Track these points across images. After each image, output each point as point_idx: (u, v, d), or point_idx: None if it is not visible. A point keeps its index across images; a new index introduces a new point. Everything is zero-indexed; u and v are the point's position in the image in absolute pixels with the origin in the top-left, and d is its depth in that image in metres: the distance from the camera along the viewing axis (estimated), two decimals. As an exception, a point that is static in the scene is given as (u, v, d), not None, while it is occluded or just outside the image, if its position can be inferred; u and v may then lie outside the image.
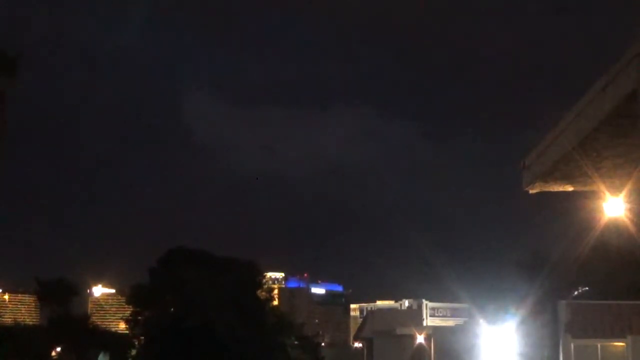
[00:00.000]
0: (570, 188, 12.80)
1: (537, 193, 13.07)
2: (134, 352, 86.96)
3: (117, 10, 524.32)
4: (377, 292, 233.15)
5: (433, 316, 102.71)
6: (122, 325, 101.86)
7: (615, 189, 12.12)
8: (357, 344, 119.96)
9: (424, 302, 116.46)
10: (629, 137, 10.07)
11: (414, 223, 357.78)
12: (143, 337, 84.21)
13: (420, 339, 62.97)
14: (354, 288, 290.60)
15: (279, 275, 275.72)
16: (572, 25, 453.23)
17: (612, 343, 36.43)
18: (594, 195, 12.97)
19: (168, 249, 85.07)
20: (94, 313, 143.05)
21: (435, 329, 66.68)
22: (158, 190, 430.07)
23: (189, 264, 77.74)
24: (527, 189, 12.89)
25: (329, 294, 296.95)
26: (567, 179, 12.23)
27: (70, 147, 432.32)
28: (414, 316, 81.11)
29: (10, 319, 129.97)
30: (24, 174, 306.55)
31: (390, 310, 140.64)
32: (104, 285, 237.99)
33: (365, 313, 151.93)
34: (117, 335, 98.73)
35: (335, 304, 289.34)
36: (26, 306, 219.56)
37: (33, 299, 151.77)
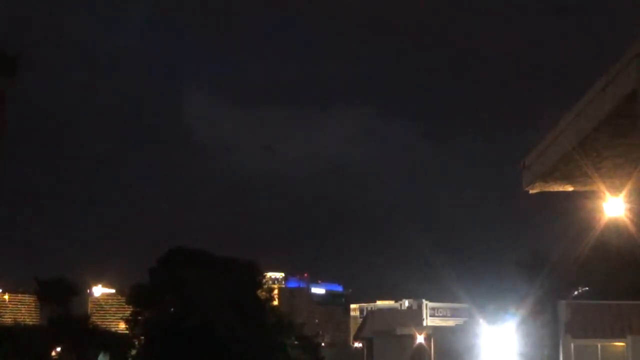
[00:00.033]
0: (570, 188, 12.80)
1: (537, 193, 13.07)
2: (134, 352, 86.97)
3: (117, 10, 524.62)
4: (377, 292, 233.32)
5: (433, 316, 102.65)
6: (122, 325, 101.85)
7: (615, 189, 12.12)
8: (357, 344, 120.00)
9: (424, 302, 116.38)
10: (629, 137, 10.07)
11: (414, 223, 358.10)
12: (143, 337, 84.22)
13: (420, 339, 62.97)
14: (354, 288, 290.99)
15: (279, 275, 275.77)
16: (572, 25, 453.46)
17: (612, 343, 36.44)
18: (594, 195, 12.97)
19: (168, 249, 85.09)
20: (94, 313, 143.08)
21: (435, 329, 66.68)
22: (158, 190, 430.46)
23: (189, 264, 77.74)
24: (527, 189, 12.89)
25: (329, 294, 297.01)
26: (567, 179, 12.23)
27: (70, 147, 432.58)
28: (414, 316, 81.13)
29: (10, 319, 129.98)
30: (24, 174, 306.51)
31: (390, 310, 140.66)
32: (104, 285, 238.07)
33: (365, 313, 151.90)
34: (117, 335, 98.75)
35: (335, 304, 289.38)
36: (26, 306, 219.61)
37: (33, 299, 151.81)
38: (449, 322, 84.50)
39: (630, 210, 12.58)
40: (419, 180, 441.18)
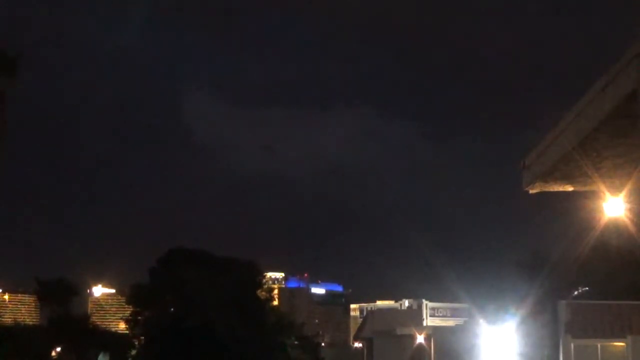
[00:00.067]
0: (570, 188, 12.79)
1: (537, 193, 13.06)
2: (134, 352, 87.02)
3: (117, 10, 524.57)
4: (377, 292, 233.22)
5: (433, 316, 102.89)
6: (122, 325, 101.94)
7: (615, 189, 12.12)
8: (357, 344, 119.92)
9: (424, 302, 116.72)
10: (629, 137, 10.07)
11: (414, 223, 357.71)
12: (143, 337, 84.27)
13: (420, 339, 62.96)
14: (354, 288, 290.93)
15: (279, 275, 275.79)
16: (572, 25, 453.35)
17: (612, 343, 36.45)
18: (594, 195, 12.97)
19: (168, 249, 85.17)
20: (94, 313, 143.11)
21: (435, 329, 66.70)
22: (158, 190, 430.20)
23: (189, 264, 77.78)
24: (527, 189, 12.89)
25: (329, 294, 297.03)
26: (567, 179, 12.23)
27: (70, 147, 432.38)
28: (414, 316, 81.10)
29: (10, 319, 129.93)
30: (24, 174, 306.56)
31: (390, 310, 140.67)
32: (104, 285, 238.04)
33: (365, 313, 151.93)
34: (117, 335, 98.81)
35: (335, 304, 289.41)
36: (26, 306, 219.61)
37: (33, 299, 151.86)
38: (449, 322, 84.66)
39: (630, 210, 12.58)
40: (419, 180, 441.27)
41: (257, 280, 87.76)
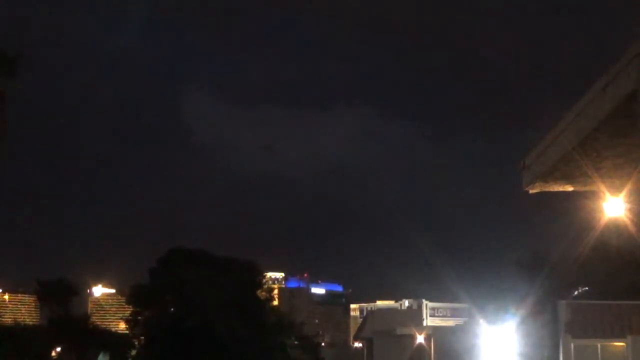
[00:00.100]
0: (570, 188, 12.79)
1: (537, 193, 13.06)
2: (134, 352, 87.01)
3: (117, 10, 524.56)
4: (377, 292, 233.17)
5: (433, 316, 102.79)
6: (122, 325, 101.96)
7: (615, 189, 12.12)
8: (357, 344, 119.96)
9: (424, 302, 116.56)
10: (629, 137, 10.07)
11: (414, 223, 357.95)
12: (143, 337, 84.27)
13: (420, 339, 62.97)
14: (354, 288, 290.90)
15: (279, 275, 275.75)
16: (572, 25, 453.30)
17: (612, 343, 36.46)
18: (594, 195, 12.97)
19: (168, 249, 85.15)
20: (94, 313, 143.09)
21: (435, 329, 66.69)
22: (158, 190, 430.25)
23: (189, 264, 77.77)
24: (527, 189, 12.88)
25: (329, 294, 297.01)
26: (567, 179, 12.22)
27: (70, 147, 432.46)
28: (414, 316, 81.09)
29: (10, 319, 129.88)
30: (24, 174, 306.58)
31: (390, 310, 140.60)
32: (104, 285, 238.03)
33: (365, 313, 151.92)
34: (117, 335, 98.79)
35: (335, 304, 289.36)
36: (26, 306, 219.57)
37: (33, 299, 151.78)
38: (449, 322, 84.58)
39: (630, 210, 12.58)
40: (419, 180, 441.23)
41: (257, 280, 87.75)
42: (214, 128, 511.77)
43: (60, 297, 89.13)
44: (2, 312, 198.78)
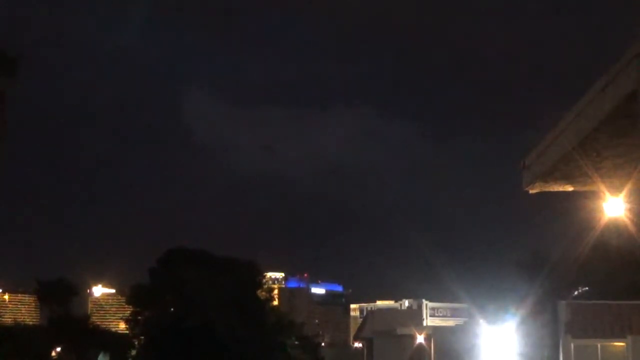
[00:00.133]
0: (570, 188, 12.79)
1: (537, 193, 13.06)
2: (134, 352, 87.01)
3: (117, 10, 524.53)
4: (377, 292, 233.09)
5: (433, 316, 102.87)
6: (122, 325, 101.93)
7: (615, 189, 12.11)
8: (357, 344, 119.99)
9: (424, 302, 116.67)
10: (629, 137, 10.07)
11: (414, 223, 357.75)
12: (143, 337, 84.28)
13: (420, 339, 62.98)
14: (354, 288, 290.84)
15: (279, 275, 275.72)
16: (572, 25, 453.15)
17: (612, 343, 36.45)
18: (594, 195, 12.97)
19: (168, 249, 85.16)
20: (94, 313, 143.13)
21: (435, 329, 66.70)
22: (158, 190, 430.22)
23: (189, 264, 77.78)
24: (527, 189, 12.88)
25: (329, 294, 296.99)
26: (567, 179, 12.22)
27: (70, 147, 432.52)
28: (414, 316, 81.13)
29: (10, 319, 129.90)
30: (24, 174, 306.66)
31: (390, 310, 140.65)
32: (104, 285, 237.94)
33: (365, 313, 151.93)
34: (117, 335, 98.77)
35: (335, 304, 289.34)
36: (26, 306, 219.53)
37: (33, 299, 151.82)
38: (449, 322, 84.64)
39: (630, 210, 12.58)
40: (419, 180, 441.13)
41: (257, 280, 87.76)
42: (214, 128, 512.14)
43: (60, 297, 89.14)
44: (2, 312, 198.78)
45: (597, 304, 38.90)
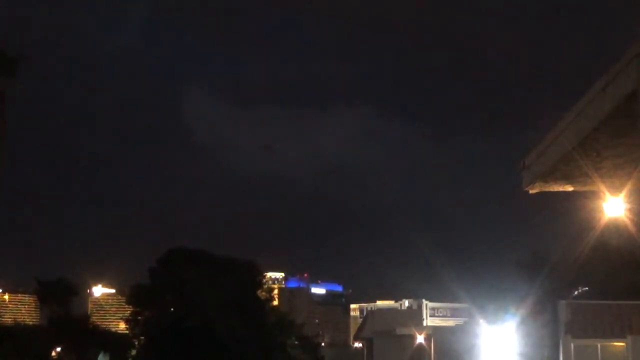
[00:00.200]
0: (570, 188, 12.79)
1: (537, 193, 13.06)
2: (134, 352, 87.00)
3: (117, 10, 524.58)
4: (377, 292, 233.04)
5: (433, 316, 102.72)
6: (122, 325, 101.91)
7: (615, 189, 12.12)
8: (357, 344, 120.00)
9: (424, 302, 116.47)
10: (629, 137, 10.07)
11: (414, 223, 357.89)
12: (143, 337, 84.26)
13: (420, 339, 62.98)
14: (354, 288, 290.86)
15: (279, 275, 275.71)
16: (572, 25, 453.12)
17: (612, 343, 36.45)
18: (594, 195, 12.97)
19: (168, 249, 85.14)
20: (94, 313, 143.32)
21: (435, 329, 66.69)
22: (158, 190, 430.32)
23: (189, 264, 77.77)
24: (527, 189, 12.88)
25: (329, 294, 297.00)
26: (567, 179, 12.23)
27: (70, 147, 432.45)
28: (414, 316, 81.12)
29: (10, 319, 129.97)
30: (24, 174, 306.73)
31: (390, 310, 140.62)
32: (104, 285, 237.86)
33: (365, 313, 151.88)
34: (117, 335, 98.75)
35: (335, 304, 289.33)
36: (26, 306, 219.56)
37: (33, 299, 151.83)
38: (449, 322, 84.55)
39: (630, 210, 12.58)
40: (419, 180, 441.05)
41: (257, 280, 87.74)
42: (214, 128, 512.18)
43: (60, 297, 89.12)
44: (2, 312, 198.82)
45: (597, 304, 38.91)
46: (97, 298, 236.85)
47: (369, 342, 74.37)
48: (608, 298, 39.54)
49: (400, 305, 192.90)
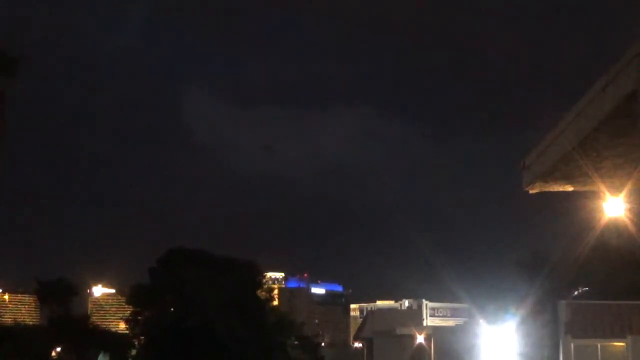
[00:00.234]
0: (570, 188, 12.79)
1: (537, 193, 13.05)
2: (134, 352, 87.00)
3: (117, 10, 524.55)
4: (377, 292, 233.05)
5: (433, 316, 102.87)
6: (122, 325, 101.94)
7: (615, 189, 12.11)
8: (357, 344, 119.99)
9: (424, 302, 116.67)
10: (629, 137, 10.06)
11: (414, 223, 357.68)
12: (143, 337, 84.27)
13: (420, 339, 62.98)
14: (354, 288, 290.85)
15: (279, 275, 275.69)
16: (572, 25, 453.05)
17: (612, 343, 36.45)
18: (594, 195, 12.97)
19: (168, 249, 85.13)
20: (94, 313, 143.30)
21: (435, 329, 66.71)
22: (158, 190, 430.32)
23: (189, 264, 77.77)
24: (527, 189, 12.88)
25: (329, 294, 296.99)
26: (567, 179, 12.22)
27: (70, 147, 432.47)
28: (414, 316, 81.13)
29: (10, 319, 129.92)
30: (24, 174, 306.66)
31: (390, 310, 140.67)
32: (104, 285, 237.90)
33: (365, 313, 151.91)
34: (117, 335, 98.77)
35: (335, 304, 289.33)
36: (26, 306, 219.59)
37: (33, 299, 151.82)
38: (449, 322, 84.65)
39: (630, 210, 12.58)
40: (419, 180, 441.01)
41: (257, 280, 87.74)
42: (214, 128, 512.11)
43: (60, 297, 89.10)
44: (2, 312, 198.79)
45: (597, 304, 38.90)
46: (97, 298, 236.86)
47: (369, 342, 74.37)
48: (608, 298, 39.54)
49: (400, 305, 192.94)
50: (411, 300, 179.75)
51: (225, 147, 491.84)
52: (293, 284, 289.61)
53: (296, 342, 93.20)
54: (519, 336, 41.47)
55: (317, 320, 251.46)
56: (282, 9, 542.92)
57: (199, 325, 72.58)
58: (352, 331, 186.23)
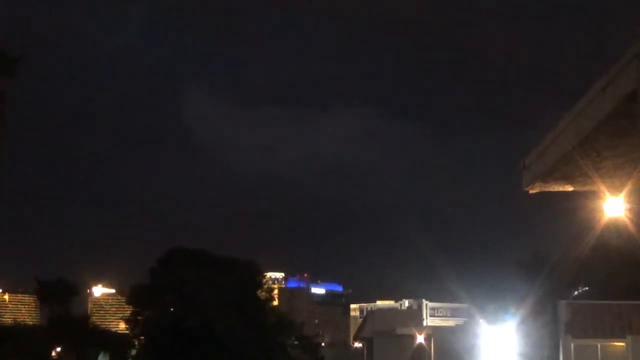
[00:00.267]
0: (570, 188, 12.79)
1: (537, 193, 13.06)
2: (134, 352, 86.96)
3: (117, 10, 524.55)
4: (377, 292, 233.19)
5: (433, 316, 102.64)
6: (122, 325, 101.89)
7: (615, 189, 12.11)
8: (357, 344, 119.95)
9: (424, 302, 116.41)
10: (629, 137, 10.06)
11: (414, 223, 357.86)
12: (143, 337, 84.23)
13: (420, 339, 62.97)
14: (354, 288, 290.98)
15: (279, 275, 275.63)
16: (572, 25, 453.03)
17: (612, 343, 36.45)
18: (594, 195, 12.97)
19: (168, 249, 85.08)
20: (94, 313, 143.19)
21: (435, 329, 66.67)
22: (158, 190, 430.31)
23: (189, 264, 77.74)
24: (527, 189, 12.88)
25: (329, 294, 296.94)
26: (567, 179, 12.22)
27: (70, 147, 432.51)
28: (414, 316, 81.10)
29: (10, 319, 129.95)
30: (24, 174, 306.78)
31: (390, 310, 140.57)
32: (104, 285, 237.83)
33: (365, 313, 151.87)
34: (117, 335, 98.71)
35: (335, 304, 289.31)
36: (26, 306, 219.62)
37: (33, 299, 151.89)
38: (449, 322, 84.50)
39: (630, 210, 12.58)
40: (419, 180, 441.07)
41: (257, 280, 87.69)
42: (214, 128, 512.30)
43: (60, 297, 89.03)
44: (2, 312, 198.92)
45: (597, 304, 38.90)
46: (97, 298, 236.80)
47: (369, 342, 74.36)
48: (608, 298, 39.54)
49: (400, 305, 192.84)
50: (411, 300, 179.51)
51: (225, 147, 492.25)
52: (293, 284, 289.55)
53: (296, 342, 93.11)
54: (519, 336, 41.46)
55: (317, 320, 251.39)
56: (282, 9, 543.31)
57: (199, 325, 72.56)
58: (352, 331, 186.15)
